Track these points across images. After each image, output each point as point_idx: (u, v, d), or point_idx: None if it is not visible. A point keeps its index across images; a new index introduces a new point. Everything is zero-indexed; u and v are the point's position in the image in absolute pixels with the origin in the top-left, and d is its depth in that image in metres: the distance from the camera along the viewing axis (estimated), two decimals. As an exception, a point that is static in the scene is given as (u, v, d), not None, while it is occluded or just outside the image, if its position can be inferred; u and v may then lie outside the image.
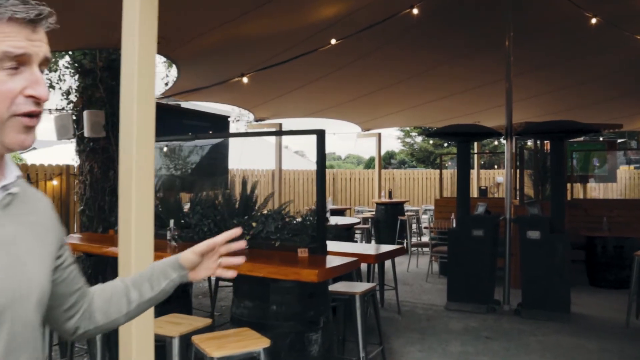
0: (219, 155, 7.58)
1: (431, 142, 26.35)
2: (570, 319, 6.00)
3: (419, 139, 27.80)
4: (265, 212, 3.89)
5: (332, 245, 3.93)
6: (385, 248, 3.95)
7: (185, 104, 8.54)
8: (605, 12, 6.57)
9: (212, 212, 4.08)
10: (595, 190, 15.19)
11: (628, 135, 21.56)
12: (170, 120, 7.33)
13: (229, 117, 8.74)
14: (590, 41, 7.75)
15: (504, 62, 6.71)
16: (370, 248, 4.16)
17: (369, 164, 32.76)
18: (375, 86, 9.22)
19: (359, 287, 4.17)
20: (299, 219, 3.74)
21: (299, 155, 41.14)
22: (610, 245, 7.78)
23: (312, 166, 25.80)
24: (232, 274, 1.33)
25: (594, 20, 6.70)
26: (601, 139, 14.80)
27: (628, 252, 7.63)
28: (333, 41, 6.16)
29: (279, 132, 9.90)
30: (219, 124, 8.22)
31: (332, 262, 3.40)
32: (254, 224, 3.75)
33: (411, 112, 11.52)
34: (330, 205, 9.64)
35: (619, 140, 17.27)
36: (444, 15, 6.82)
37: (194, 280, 1.32)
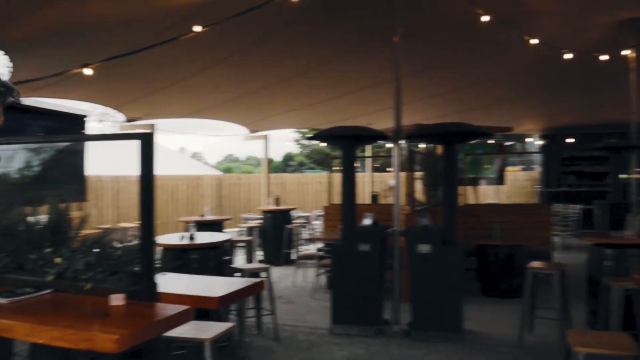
0: (69, 161, 6.41)
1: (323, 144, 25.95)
2: (464, 338, 5.51)
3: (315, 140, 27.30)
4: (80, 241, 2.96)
5: (171, 282, 3.06)
6: (238, 285, 3.15)
7: (29, 101, 7.25)
8: (497, 10, 6.19)
9: (8, 243, 3.07)
10: (485, 193, 15.33)
11: (516, 138, 22.35)
12: (6, 119, 6.09)
13: (85, 116, 7.55)
14: (483, 41, 7.43)
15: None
16: (222, 285, 3.33)
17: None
18: (257, 84, 8.42)
19: (211, 330, 3.33)
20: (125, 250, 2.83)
21: (195, 159, 39.37)
22: (502, 253, 7.49)
23: (210, 171, 24.67)
24: None
25: (485, 18, 6.33)
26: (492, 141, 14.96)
27: (518, 260, 7.40)
28: (197, 28, 5.25)
29: (97, 137, 7.63)
30: (74, 124, 7.04)
31: (161, 312, 2.53)
32: (57, 260, 2.81)
33: (300, 113, 10.83)
34: (207, 216, 8.68)
35: (506, 143, 17.67)
36: (328, 7, 6.15)
37: None
